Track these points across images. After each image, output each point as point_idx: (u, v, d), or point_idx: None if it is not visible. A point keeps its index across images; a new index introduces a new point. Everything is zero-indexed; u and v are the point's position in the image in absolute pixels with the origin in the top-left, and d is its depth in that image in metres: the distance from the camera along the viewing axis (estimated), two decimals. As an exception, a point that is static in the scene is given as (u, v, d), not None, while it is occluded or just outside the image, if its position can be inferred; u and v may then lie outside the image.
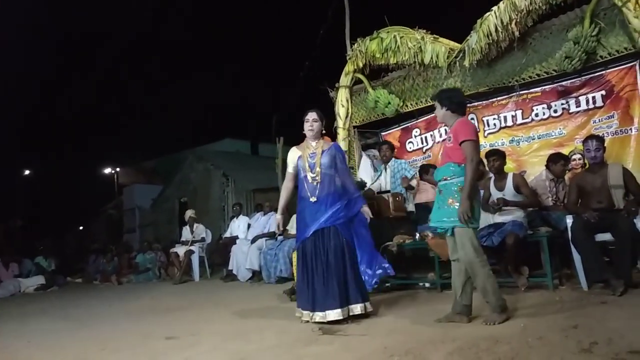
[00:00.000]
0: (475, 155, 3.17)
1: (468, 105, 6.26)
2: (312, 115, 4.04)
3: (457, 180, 3.24)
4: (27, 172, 25.41)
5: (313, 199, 3.89)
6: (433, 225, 3.53)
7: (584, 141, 4.29)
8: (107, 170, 26.04)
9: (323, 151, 3.96)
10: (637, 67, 4.81)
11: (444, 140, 3.73)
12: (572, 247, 4.00)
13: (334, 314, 3.61)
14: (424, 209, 5.51)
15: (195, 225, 9.24)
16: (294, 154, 4.09)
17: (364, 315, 3.73)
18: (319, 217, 3.84)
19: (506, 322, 3.13)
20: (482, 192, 4.75)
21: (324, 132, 4.12)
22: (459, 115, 3.41)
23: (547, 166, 5.02)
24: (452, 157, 3.31)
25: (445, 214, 3.28)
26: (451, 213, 3.23)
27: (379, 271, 3.85)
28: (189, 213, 9.42)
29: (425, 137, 6.72)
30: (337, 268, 3.73)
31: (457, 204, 3.20)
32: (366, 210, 3.96)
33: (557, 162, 4.91)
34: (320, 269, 3.76)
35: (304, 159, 4.00)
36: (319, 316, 3.66)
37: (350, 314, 3.67)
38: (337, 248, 3.77)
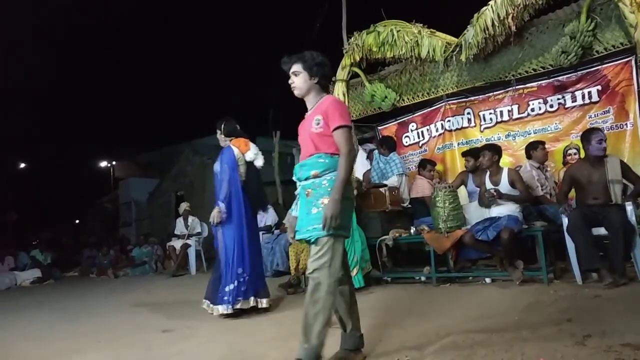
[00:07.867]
0: (351, 146, 2.44)
1: (464, 100, 6.31)
2: None
3: (332, 175, 2.44)
4: (22, 165, 25.31)
5: None
6: (301, 238, 2.53)
7: (591, 131, 4.08)
8: (104, 164, 25.96)
9: None
10: (633, 62, 4.82)
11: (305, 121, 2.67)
12: (566, 238, 4.00)
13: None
14: (420, 203, 5.53)
15: (191, 218, 9.25)
16: None
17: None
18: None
19: (501, 315, 3.14)
20: (477, 190, 4.78)
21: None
22: (326, 92, 2.66)
23: (528, 156, 5.05)
24: (320, 147, 2.49)
25: (316, 219, 2.40)
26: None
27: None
28: (184, 206, 9.42)
29: (422, 132, 6.73)
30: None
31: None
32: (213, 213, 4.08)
33: (536, 148, 5.00)
34: None
35: None
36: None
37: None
38: None
